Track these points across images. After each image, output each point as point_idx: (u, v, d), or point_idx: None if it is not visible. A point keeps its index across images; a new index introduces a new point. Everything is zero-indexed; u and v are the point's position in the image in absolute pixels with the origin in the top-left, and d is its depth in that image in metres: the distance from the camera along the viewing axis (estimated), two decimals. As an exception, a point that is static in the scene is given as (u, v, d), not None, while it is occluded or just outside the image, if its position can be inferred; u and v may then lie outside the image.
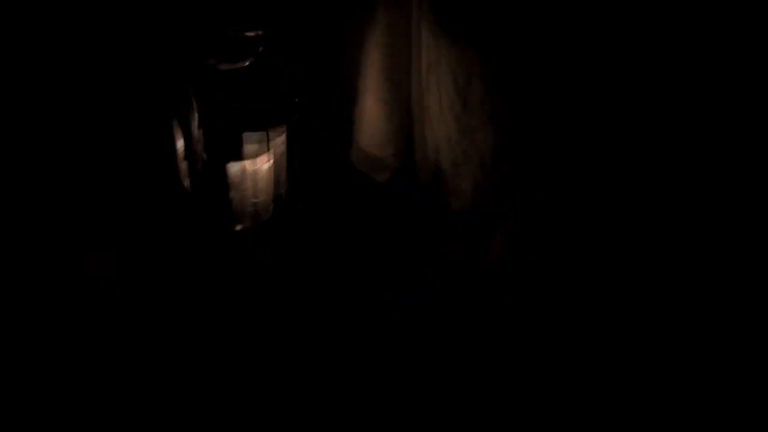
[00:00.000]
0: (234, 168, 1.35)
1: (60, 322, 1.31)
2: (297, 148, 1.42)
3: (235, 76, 1.31)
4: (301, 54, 1.45)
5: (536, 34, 1.24)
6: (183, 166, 1.38)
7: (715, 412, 1.17)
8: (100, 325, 1.32)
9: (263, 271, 1.43)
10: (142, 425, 1.20)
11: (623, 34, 1.21)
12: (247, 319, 1.36)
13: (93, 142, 1.45)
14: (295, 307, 1.38)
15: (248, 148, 1.34)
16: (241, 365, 1.28)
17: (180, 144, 1.36)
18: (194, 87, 1.32)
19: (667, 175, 1.26)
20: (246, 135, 1.33)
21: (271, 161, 1.38)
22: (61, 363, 1.27)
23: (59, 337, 1.30)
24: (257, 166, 1.37)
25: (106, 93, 1.44)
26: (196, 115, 1.32)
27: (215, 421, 1.22)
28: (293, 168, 1.44)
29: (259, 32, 1.32)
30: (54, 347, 1.28)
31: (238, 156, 1.34)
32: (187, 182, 1.38)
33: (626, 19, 1.20)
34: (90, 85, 1.43)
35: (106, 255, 1.41)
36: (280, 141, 1.38)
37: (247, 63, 1.31)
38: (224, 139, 1.33)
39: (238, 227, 1.42)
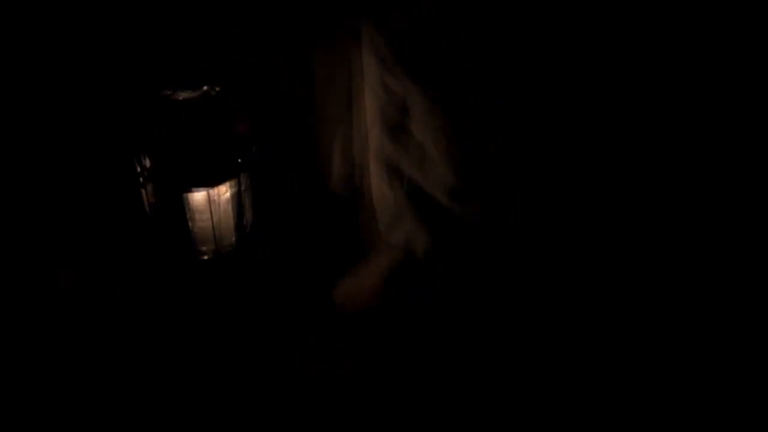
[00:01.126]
0: (197, 195, 1.34)
1: (59, 322, 1.32)
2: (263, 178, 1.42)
3: (196, 109, 1.29)
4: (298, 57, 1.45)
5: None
6: (145, 191, 1.36)
7: (715, 412, 1.16)
8: (100, 325, 1.33)
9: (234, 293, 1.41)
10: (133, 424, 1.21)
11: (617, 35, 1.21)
12: (232, 328, 1.35)
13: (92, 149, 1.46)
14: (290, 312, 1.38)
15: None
16: (236, 368, 1.28)
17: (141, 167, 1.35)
18: (157, 116, 1.30)
19: (666, 175, 1.26)
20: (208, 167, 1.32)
21: (233, 190, 1.36)
22: (61, 361, 1.27)
23: (59, 336, 1.30)
24: (220, 195, 1.35)
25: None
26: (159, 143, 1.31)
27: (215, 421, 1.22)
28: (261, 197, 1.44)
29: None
30: (54, 346, 1.29)
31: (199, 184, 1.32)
32: (147, 206, 1.38)
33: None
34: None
35: (106, 255, 1.42)
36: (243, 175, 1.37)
37: (200, 92, 1.28)
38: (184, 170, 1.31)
39: (203, 255, 1.41)
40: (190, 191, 1.31)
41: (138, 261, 1.41)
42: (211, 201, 1.33)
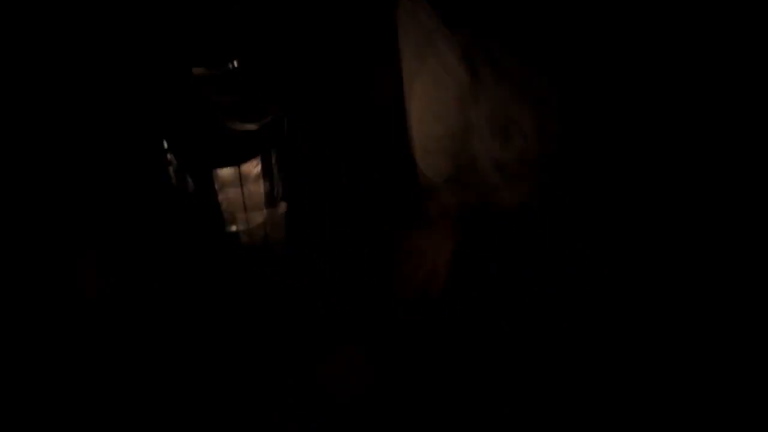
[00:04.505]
0: (225, 171, 1.28)
1: (46, 328, 1.25)
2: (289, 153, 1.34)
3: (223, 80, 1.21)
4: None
5: None
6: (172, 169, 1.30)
7: (714, 413, 1.17)
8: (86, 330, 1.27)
9: (259, 274, 1.35)
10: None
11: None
12: (243, 322, 1.30)
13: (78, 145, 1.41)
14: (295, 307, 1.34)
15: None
16: (236, 368, 1.25)
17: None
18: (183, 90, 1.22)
19: (669, 177, 1.24)
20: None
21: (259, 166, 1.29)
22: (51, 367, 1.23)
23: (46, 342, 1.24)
24: (249, 169, 1.29)
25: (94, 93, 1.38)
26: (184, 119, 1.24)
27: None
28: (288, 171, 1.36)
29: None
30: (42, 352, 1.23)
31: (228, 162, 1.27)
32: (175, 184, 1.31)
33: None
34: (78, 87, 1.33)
35: (90, 259, 1.33)
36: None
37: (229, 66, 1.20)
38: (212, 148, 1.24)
39: (232, 229, 1.34)
40: (220, 168, 1.26)
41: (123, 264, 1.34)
42: (241, 177, 1.28)
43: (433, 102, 1.25)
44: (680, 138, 1.19)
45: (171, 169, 1.31)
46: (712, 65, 1.13)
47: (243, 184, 1.30)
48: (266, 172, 1.31)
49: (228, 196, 1.31)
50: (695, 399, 1.18)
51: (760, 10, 1.10)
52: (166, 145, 1.29)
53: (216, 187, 1.28)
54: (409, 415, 1.21)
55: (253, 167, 1.30)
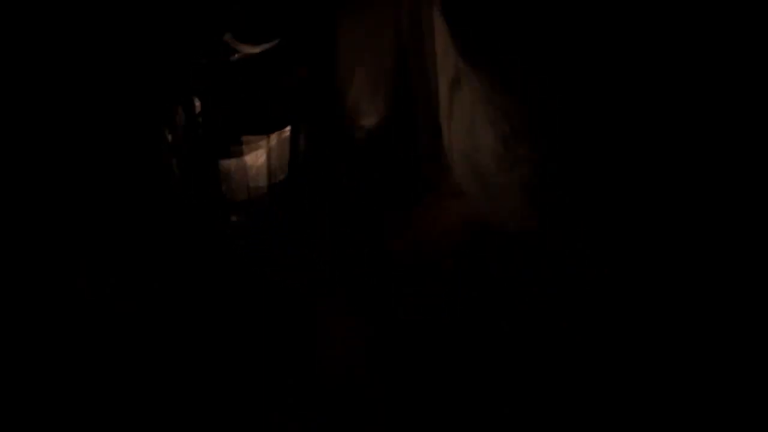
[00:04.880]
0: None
1: (45, 328, 1.23)
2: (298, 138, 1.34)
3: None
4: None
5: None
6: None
7: (714, 413, 1.16)
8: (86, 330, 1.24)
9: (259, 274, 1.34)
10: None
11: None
12: (243, 314, 1.29)
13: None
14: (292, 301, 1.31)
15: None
16: (236, 367, 1.23)
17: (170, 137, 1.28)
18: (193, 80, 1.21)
19: (669, 177, 1.23)
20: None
21: (267, 153, 1.30)
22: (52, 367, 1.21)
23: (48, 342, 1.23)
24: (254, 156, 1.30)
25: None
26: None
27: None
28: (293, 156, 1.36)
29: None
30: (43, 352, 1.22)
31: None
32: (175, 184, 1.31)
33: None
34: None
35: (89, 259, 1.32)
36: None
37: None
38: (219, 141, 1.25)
39: (233, 218, 1.35)
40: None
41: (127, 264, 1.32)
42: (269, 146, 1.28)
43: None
44: (680, 138, 1.18)
45: (173, 165, 1.30)
46: (712, 65, 1.12)
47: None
48: (294, 145, 1.30)
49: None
50: (696, 399, 1.17)
51: (760, 10, 1.09)
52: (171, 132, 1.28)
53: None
54: (409, 417, 1.20)
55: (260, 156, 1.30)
